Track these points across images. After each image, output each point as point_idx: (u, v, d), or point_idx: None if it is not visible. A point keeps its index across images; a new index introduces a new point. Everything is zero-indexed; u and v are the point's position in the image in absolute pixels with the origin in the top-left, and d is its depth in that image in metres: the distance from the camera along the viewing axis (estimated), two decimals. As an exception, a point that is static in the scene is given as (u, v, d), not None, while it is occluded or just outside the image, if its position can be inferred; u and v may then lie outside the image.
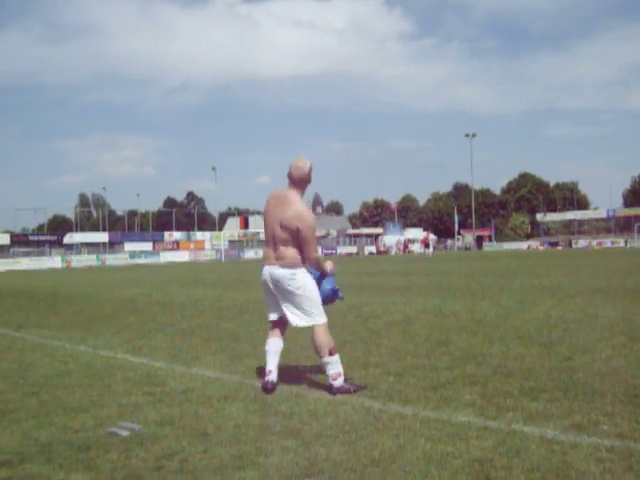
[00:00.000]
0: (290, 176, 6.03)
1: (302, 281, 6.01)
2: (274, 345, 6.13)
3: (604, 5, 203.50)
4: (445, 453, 4.07)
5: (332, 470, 3.88)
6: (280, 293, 6.04)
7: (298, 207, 5.93)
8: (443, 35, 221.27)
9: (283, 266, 5.97)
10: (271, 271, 6.03)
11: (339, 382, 5.84)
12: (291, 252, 5.98)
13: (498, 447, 4.15)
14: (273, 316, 6.21)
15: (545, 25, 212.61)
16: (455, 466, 3.85)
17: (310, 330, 6.05)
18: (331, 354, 5.92)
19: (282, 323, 6.23)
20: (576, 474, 3.68)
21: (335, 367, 5.88)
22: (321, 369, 6.11)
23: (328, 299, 6.33)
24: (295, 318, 6.03)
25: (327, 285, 6.27)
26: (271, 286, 6.07)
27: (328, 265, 6.29)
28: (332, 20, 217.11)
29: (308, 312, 6.00)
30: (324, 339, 5.95)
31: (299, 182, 6.05)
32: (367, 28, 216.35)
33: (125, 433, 4.72)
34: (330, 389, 5.84)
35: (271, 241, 6.07)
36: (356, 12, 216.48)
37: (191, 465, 4.04)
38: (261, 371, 6.50)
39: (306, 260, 6.03)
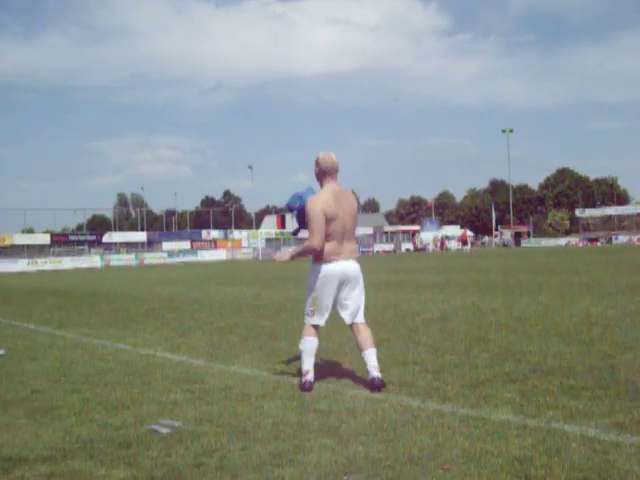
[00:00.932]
0: (326, 172, 6.04)
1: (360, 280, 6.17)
2: (311, 344, 6.05)
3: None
4: (484, 451, 4.04)
5: (370, 468, 3.87)
6: (352, 289, 6.03)
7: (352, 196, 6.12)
8: (479, 30, 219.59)
9: (357, 261, 6.10)
10: (349, 266, 5.99)
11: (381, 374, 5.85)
12: (356, 246, 6.16)
13: (538, 446, 4.11)
14: (326, 317, 6.11)
15: (583, 17, 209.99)
16: (494, 465, 3.82)
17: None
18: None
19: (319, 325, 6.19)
20: (618, 474, 3.63)
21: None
22: (364, 362, 5.98)
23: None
24: (359, 314, 6.10)
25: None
26: (346, 281, 5.98)
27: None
28: (366, 16, 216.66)
29: (363, 306, 6.16)
30: (370, 331, 6.09)
31: (333, 174, 6.08)
32: (402, 24, 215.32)
33: (165, 430, 4.76)
34: (374, 381, 5.76)
35: (341, 235, 5.96)
36: (390, 8, 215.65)
37: (230, 462, 4.07)
38: (299, 371, 6.52)
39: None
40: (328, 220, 5.86)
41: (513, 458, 3.90)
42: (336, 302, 6.07)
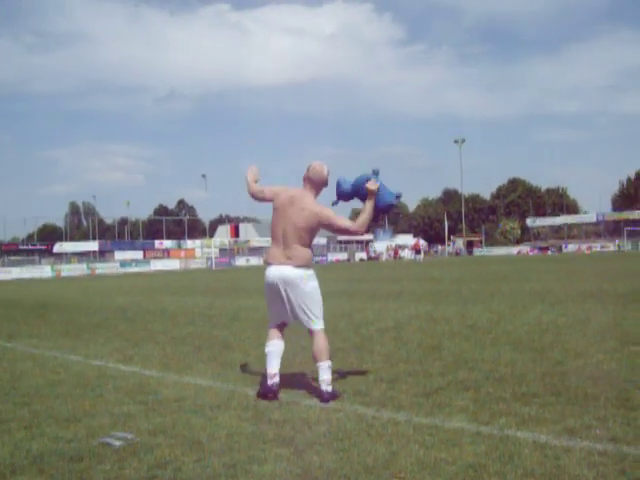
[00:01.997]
0: (308, 179, 6.14)
1: (314, 283, 6.09)
2: (276, 347, 6.09)
3: (595, 9, 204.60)
4: (439, 459, 4.06)
5: (326, 478, 3.87)
6: (292, 295, 5.98)
7: (316, 209, 6.03)
8: (433, 40, 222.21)
9: (297, 266, 5.98)
10: (282, 271, 5.97)
11: (331, 387, 5.85)
12: (304, 252, 6.04)
13: (491, 452, 4.15)
14: (276, 320, 6.18)
15: (536, 29, 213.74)
16: (449, 472, 3.84)
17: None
18: (329, 359, 5.99)
19: (282, 325, 6.23)
20: (569, 478, 3.68)
21: (330, 372, 5.91)
22: (315, 375, 6.09)
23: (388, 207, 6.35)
24: (308, 322, 6.04)
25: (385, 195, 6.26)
26: (281, 288, 5.98)
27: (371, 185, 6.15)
28: (322, 26, 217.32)
29: (317, 315, 6.07)
30: (326, 343, 6.03)
31: (317, 185, 6.17)
32: (357, 34, 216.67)
33: (118, 443, 4.70)
34: (322, 395, 5.80)
35: (281, 240, 6.01)
36: (346, 18, 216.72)
37: (184, 474, 4.03)
38: (254, 379, 6.50)
39: (359, 227, 6.09)
40: (273, 212, 6.10)
41: (467, 465, 3.94)
42: (285, 304, 6.06)
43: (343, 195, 6.44)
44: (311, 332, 6.07)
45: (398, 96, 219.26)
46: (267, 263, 6.17)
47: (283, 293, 6.00)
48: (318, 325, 6.07)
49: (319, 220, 6.03)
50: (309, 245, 6.14)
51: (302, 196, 6.07)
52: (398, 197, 6.37)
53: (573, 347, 7.84)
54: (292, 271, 5.97)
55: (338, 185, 6.44)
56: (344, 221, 6.16)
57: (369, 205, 6.11)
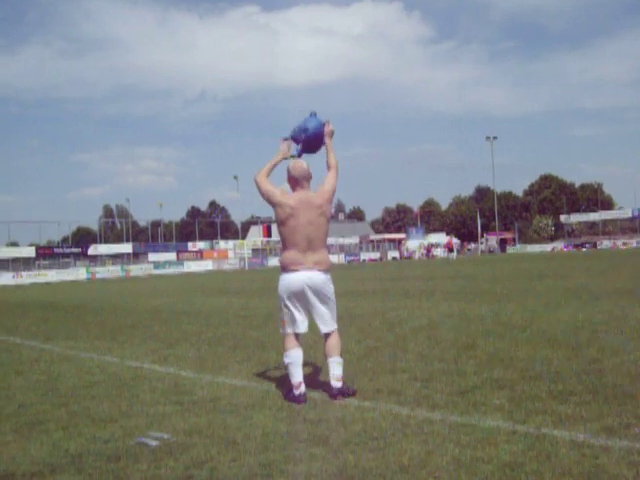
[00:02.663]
0: (300, 179, 6.18)
1: (333, 287, 6.15)
2: (298, 356, 6.04)
3: (623, 2, 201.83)
4: (475, 458, 4.04)
5: (361, 477, 3.86)
6: (317, 299, 6.00)
7: (325, 198, 6.16)
8: (462, 38, 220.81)
9: (324, 271, 6.03)
10: (311, 277, 5.96)
11: (341, 383, 5.89)
12: (326, 256, 6.12)
13: (528, 451, 4.12)
14: (296, 329, 6.11)
15: (564, 24, 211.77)
16: (485, 471, 3.82)
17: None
18: (341, 355, 6.06)
19: (298, 334, 6.17)
20: (608, 478, 3.64)
21: (341, 368, 5.97)
22: (328, 369, 6.07)
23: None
24: (327, 324, 6.05)
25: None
26: (309, 294, 5.98)
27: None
28: (350, 26, 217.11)
29: (334, 317, 6.11)
30: (340, 341, 6.13)
31: (308, 180, 6.21)
32: (386, 33, 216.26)
33: (154, 443, 4.74)
34: (331, 390, 5.87)
35: (305, 245, 5.98)
36: (374, 17, 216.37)
37: (220, 474, 4.05)
38: (286, 381, 6.51)
39: (336, 164, 6.37)
40: (282, 219, 6.02)
41: (503, 464, 3.91)
42: (308, 311, 6.08)
43: (307, 141, 6.40)
44: (327, 333, 6.09)
45: (428, 94, 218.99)
46: (288, 270, 6.04)
47: (311, 300, 6.00)
48: (336, 325, 6.15)
49: (330, 200, 6.21)
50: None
51: (313, 196, 6.11)
52: (313, 114, 6.47)
53: (609, 344, 7.75)
54: (321, 276, 6.01)
55: (302, 131, 6.39)
56: (332, 178, 6.32)
57: (330, 143, 6.42)
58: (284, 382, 6.52)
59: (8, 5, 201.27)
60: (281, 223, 6.07)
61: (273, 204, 6.11)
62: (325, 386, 6.17)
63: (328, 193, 6.19)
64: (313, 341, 9.01)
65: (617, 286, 16.55)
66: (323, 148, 6.48)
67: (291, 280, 5.99)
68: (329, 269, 6.12)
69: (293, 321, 6.09)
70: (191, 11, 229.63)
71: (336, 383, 5.88)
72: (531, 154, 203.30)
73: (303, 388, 5.87)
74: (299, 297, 6.01)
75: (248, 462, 4.22)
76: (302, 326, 6.09)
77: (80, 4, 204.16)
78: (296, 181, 6.17)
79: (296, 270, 5.98)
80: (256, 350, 8.92)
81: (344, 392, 5.85)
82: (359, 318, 11.98)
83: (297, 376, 5.91)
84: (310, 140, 6.38)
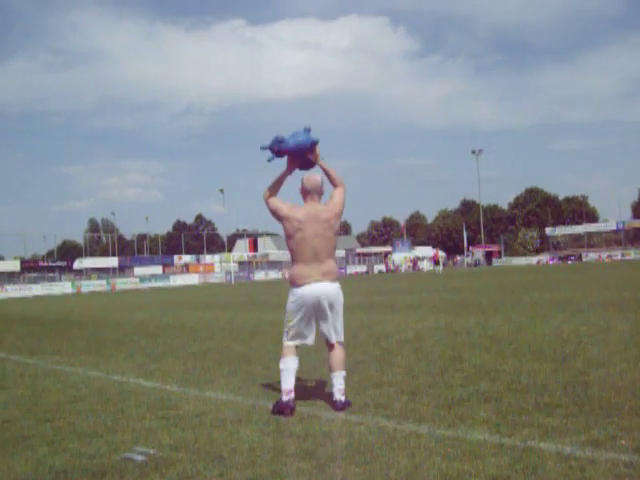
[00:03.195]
0: (310, 191, 6.26)
1: (340, 299, 6.21)
2: (292, 364, 6.11)
3: (607, 17, 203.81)
4: (462, 472, 4.04)
5: (348, 491, 3.85)
6: (331, 310, 6.09)
7: (335, 212, 6.22)
8: (447, 52, 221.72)
9: (333, 281, 6.11)
10: (322, 289, 6.02)
11: (344, 397, 5.98)
12: (335, 266, 6.23)
13: (515, 464, 4.12)
14: (298, 339, 6.19)
15: (549, 38, 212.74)
16: (472, 484, 3.82)
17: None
18: (345, 369, 6.14)
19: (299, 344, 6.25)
20: (595, 490, 3.64)
21: (344, 382, 6.07)
22: (331, 384, 6.16)
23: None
24: (338, 334, 6.17)
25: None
26: (324, 304, 6.03)
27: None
28: (337, 40, 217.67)
29: (341, 328, 6.22)
30: (345, 354, 6.23)
31: (319, 194, 6.30)
32: (372, 47, 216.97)
33: (140, 458, 4.71)
34: (336, 403, 5.93)
35: (312, 258, 6.03)
36: (361, 31, 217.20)
37: (207, 489, 4.02)
38: (275, 394, 6.49)
39: (343, 183, 6.41)
40: (290, 232, 6.10)
41: (490, 478, 3.91)
42: (315, 323, 6.16)
43: (282, 152, 6.41)
44: (332, 344, 6.16)
45: (413, 108, 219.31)
46: (298, 284, 6.08)
47: (324, 310, 6.06)
48: (342, 337, 6.24)
49: (338, 214, 6.25)
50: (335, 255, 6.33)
51: (320, 210, 6.16)
52: (309, 130, 6.44)
53: (595, 357, 7.78)
54: (331, 287, 6.08)
55: (278, 142, 6.38)
56: (340, 193, 6.36)
57: (325, 165, 6.45)
58: (270, 397, 6.50)
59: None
60: (289, 236, 6.16)
61: (280, 218, 6.22)
62: (330, 400, 6.15)
63: (337, 207, 6.24)
64: (300, 354, 9.01)
65: (602, 298, 16.62)
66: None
67: (304, 294, 6.02)
68: (337, 278, 6.20)
69: (300, 335, 6.17)
70: (177, 24, 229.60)
71: (340, 396, 5.98)
72: (517, 167, 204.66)
73: (292, 395, 5.93)
74: (313, 310, 6.07)
75: (235, 477, 4.20)
76: (309, 340, 6.23)
77: (66, 17, 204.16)
78: (307, 193, 6.26)
79: (307, 283, 6.02)
80: (242, 364, 8.89)
81: (347, 404, 5.95)
82: (346, 332, 11.93)
83: (289, 383, 5.99)
84: (288, 152, 6.37)
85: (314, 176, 6.37)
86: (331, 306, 6.07)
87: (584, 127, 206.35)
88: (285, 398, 5.92)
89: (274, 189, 6.39)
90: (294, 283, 6.11)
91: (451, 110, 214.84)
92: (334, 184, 6.41)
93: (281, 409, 5.84)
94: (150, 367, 9.15)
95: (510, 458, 4.24)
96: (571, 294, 19.14)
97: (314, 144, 6.38)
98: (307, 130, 6.40)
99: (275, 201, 6.31)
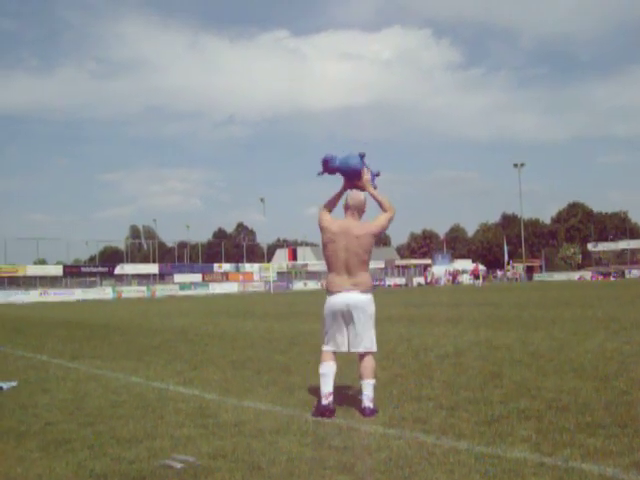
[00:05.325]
0: (351, 207, 6.54)
1: (374, 307, 6.46)
2: (331, 369, 6.36)
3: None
4: (501, 490, 4.00)
5: (387, 506, 3.84)
6: (357, 319, 6.30)
7: (370, 229, 6.44)
8: (491, 64, 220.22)
9: (363, 292, 6.33)
10: (351, 297, 6.29)
11: (373, 404, 6.22)
12: (367, 277, 6.44)
13: (556, 484, 4.07)
14: (334, 347, 6.43)
15: (594, 50, 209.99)
16: (512, 503, 3.78)
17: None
18: (375, 378, 6.40)
19: (336, 351, 6.47)
20: (638, 513, 3.58)
21: (373, 390, 6.31)
22: (361, 391, 6.36)
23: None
24: (366, 344, 6.34)
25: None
26: (351, 313, 6.28)
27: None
28: (379, 51, 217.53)
29: (373, 338, 6.41)
30: (375, 364, 6.46)
31: (359, 211, 6.56)
32: (414, 58, 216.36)
33: (179, 465, 4.74)
34: (364, 410, 6.17)
35: (344, 269, 6.32)
36: (403, 43, 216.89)
37: (245, 499, 4.04)
38: (312, 402, 6.50)
39: (392, 209, 6.57)
40: (324, 242, 6.46)
41: (531, 497, 3.86)
42: (347, 331, 6.38)
43: (330, 170, 6.69)
44: (363, 354, 6.37)
45: (455, 120, 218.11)
46: (330, 292, 6.41)
47: (352, 318, 6.31)
48: (375, 347, 6.45)
49: (373, 234, 6.44)
50: (368, 269, 6.49)
51: (354, 226, 6.42)
52: (362, 156, 6.67)
53: (639, 376, 7.65)
54: (360, 296, 6.32)
55: (328, 161, 6.66)
56: (384, 218, 6.55)
57: (374, 191, 6.65)
58: (309, 407, 6.51)
59: (44, 27, 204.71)
60: (324, 246, 6.53)
61: (320, 228, 6.58)
62: (357, 405, 6.39)
63: (373, 227, 6.48)
64: (338, 366, 9.03)
65: (646, 317, 16.34)
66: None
67: (335, 301, 6.35)
68: (370, 290, 6.43)
69: (333, 340, 6.43)
70: (221, 35, 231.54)
71: (369, 403, 6.22)
72: (559, 181, 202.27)
73: (331, 398, 6.20)
74: (342, 318, 6.34)
75: (273, 487, 4.20)
76: (342, 346, 6.41)
77: (113, 27, 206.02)
78: (348, 208, 6.58)
79: (338, 292, 6.33)
80: (281, 374, 8.90)
81: (375, 412, 6.17)
82: (384, 344, 11.91)
83: (327, 386, 6.27)
84: (335, 170, 6.67)
85: (358, 194, 6.64)
86: (359, 315, 6.29)
87: (628, 141, 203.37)
88: (325, 402, 6.18)
89: (329, 205, 6.73)
90: (328, 290, 6.45)
91: (493, 122, 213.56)
92: (384, 209, 6.62)
93: (321, 411, 6.12)
94: (189, 374, 9.21)
95: (551, 478, 4.19)
96: (614, 311, 18.85)
97: (356, 171, 6.60)
98: (361, 156, 6.63)
99: (324, 213, 6.63)
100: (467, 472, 4.37)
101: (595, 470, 4.31)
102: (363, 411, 6.19)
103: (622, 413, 5.83)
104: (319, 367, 6.42)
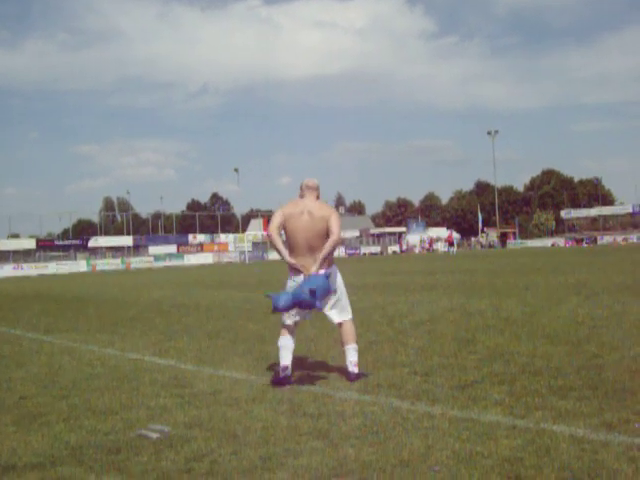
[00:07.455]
0: (309, 188, 6.58)
1: (338, 279, 6.52)
2: (289, 342, 6.44)
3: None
4: (474, 453, 4.05)
5: (361, 471, 3.87)
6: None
7: (331, 210, 6.53)
8: (464, 32, 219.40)
9: (324, 268, 6.35)
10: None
11: (357, 368, 6.35)
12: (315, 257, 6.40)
13: (527, 446, 4.13)
14: (295, 319, 6.50)
15: (568, 19, 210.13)
16: (485, 466, 3.83)
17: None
18: (356, 342, 6.49)
19: (296, 323, 6.57)
20: (607, 473, 3.65)
21: (356, 354, 6.41)
22: (345, 356, 6.44)
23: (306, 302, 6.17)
24: (341, 314, 6.46)
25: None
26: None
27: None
28: (353, 20, 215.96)
29: (346, 306, 6.53)
30: (355, 329, 6.56)
31: (316, 191, 6.62)
32: (388, 27, 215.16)
33: (155, 435, 4.75)
34: (349, 375, 6.30)
35: (306, 250, 6.35)
36: (377, 11, 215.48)
37: (220, 467, 4.06)
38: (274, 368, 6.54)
39: (334, 235, 6.32)
40: (286, 223, 6.45)
41: (503, 459, 3.92)
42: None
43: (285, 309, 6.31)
44: (341, 322, 6.47)
45: (429, 89, 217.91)
46: (295, 273, 6.42)
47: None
48: (351, 314, 6.56)
49: (329, 218, 6.38)
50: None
51: (316, 206, 6.46)
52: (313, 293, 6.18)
53: (609, 340, 7.76)
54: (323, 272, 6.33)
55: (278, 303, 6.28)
56: (337, 228, 6.41)
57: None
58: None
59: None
60: (285, 231, 6.56)
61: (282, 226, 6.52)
62: (341, 371, 6.53)
63: (334, 220, 6.39)
64: (314, 335, 9.05)
65: (617, 282, 16.56)
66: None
67: (299, 280, 6.36)
68: (331, 264, 6.47)
69: (292, 314, 6.47)
70: (193, 4, 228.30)
71: (353, 368, 6.32)
72: (533, 149, 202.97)
73: (289, 371, 6.31)
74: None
75: (248, 455, 4.23)
76: (293, 318, 6.47)
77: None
78: (307, 190, 6.59)
79: (301, 273, 6.36)
80: (256, 343, 8.93)
81: (360, 375, 6.30)
82: (359, 312, 11.96)
83: (285, 359, 6.36)
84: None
85: (312, 179, 6.66)
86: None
87: (601, 109, 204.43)
88: (282, 374, 6.30)
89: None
90: (291, 271, 6.49)
91: (467, 91, 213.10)
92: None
93: (278, 382, 6.25)
94: (165, 345, 9.21)
95: (523, 440, 4.26)
96: (586, 277, 19.07)
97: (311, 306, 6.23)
98: (312, 292, 6.11)
99: (276, 228, 6.50)
100: (441, 436, 4.43)
101: (566, 431, 4.39)
102: (349, 376, 6.31)
103: (593, 376, 5.93)
104: (278, 340, 6.49)
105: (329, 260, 6.40)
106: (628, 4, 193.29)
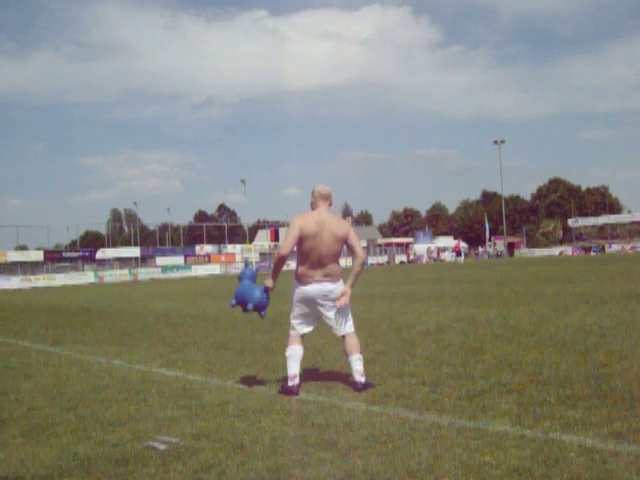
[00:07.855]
0: (323, 198, 6.59)
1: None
2: (297, 352, 6.51)
3: (633, 6, 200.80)
4: (483, 463, 4.04)
5: (369, 481, 3.86)
6: (331, 307, 6.46)
7: (348, 228, 6.56)
8: (470, 42, 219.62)
9: (333, 282, 6.46)
10: (322, 288, 6.42)
11: (364, 378, 6.36)
12: (338, 268, 6.55)
13: (536, 456, 4.11)
14: (302, 329, 6.63)
15: (573, 28, 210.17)
16: (493, 476, 3.82)
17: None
18: (361, 352, 6.53)
19: (304, 333, 6.68)
20: (617, 483, 3.63)
21: (362, 364, 6.42)
22: (350, 367, 6.48)
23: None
24: (344, 327, 6.52)
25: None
26: (320, 301, 6.45)
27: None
28: (358, 30, 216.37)
29: (349, 320, 6.56)
30: (358, 340, 6.60)
31: (328, 200, 6.63)
32: (393, 37, 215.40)
33: (162, 447, 4.75)
34: (356, 384, 6.32)
35: (317, 262, 6.41)
36: (382, 22, 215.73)
37: (228, 478, 4.06)
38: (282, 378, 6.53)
39: (360, 258, 6.56)
40: (303, 238, 6.36)
41: (512, 469, 3.90)
42: (320, 318, 6.61)
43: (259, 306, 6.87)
44: (345, 335, 6.53)
45: (435, 98, 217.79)
46: (303, 283, 6.51)
47: (321, 306, 6.48)
48: (353, 327, 6.60)
49: (348, 237, 6.50)
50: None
51: (335, 224, 6.46)
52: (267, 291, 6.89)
53: (618, 349, 7.73)
54: (331, 286, 6.45)
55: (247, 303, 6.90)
56: (361, 248, 6.64)
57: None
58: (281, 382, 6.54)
59: (20, 11, 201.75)
60: (300, 244, 6.52)
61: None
62: (349, 381, 6.59)
63: (353, 239, 6.54)
64: (321, 346, 9.04)
65: (625, 290, 16.50)
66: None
67: (307, 290, 6.52)
68: (340, 278, 6.56)
69: (302, 325, 6.65)
70: (199, 15, 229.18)
71: (360, 378, 6.34)
72: (539, 158, 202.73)
73: (297, 380, 6.34)
74: (315, 306, 6.54)
75: (256, 466, 4.22)
76: (307, 329, 6.65)
77: (89, 9, 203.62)
78: (319, 199, 6.62)
79: (309, 283, 6.48)
80: (263, 354, 8.93)
81: (368, 385, 6.30)
82: (367, 322, 11.97)
83: (293, 369, 6.41)
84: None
85: (325, 187, 6.67)
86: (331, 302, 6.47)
87: (608, 117, 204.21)
88: (290, 383, 6.34)
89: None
90: (298, 281, 6.57)
91: (473, 100, 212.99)
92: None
93: (286, 392, 6.28)
94: (172, 357, 9.21)
95: (532, 450, 4.24)
96: (594, 286, 19.02)
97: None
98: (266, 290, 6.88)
99: (291, 250, 6.57)
100: (449, 446, 4.41)
101: (575, 441, 4.37)
102: (355, 386, 6.32)
103: (602, 385, 5.90)
104: (286, 350, 6.58)
105: (338, 273, 6.50)
106: (632, 13, 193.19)
